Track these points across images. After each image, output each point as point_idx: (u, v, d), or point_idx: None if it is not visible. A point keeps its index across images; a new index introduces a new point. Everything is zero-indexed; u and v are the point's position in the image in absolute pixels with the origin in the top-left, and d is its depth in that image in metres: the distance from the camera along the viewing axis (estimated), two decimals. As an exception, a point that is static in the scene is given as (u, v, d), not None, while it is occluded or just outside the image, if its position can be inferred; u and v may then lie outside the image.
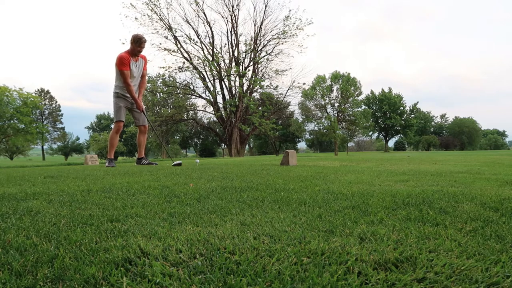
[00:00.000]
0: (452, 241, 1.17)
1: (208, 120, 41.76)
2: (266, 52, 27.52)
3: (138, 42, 5.16)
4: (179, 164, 5.23)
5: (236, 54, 27.27)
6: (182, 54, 26.31)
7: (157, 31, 25.21)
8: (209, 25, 26.33)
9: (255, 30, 27.19)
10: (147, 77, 5.71)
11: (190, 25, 26.14)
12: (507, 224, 1.41)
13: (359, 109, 49.36)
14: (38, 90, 64.88)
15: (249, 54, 27.34)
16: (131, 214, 1.60)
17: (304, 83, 29.67)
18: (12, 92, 32.82)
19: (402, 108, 61.54)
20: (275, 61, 27.90)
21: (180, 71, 26.51)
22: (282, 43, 26.91)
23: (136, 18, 24.42)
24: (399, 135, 65.84)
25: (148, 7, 24.26)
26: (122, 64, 5.11)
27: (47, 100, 64.96)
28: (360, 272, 0.92)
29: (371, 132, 60.91)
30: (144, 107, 5.62)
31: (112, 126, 5.61)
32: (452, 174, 3.71)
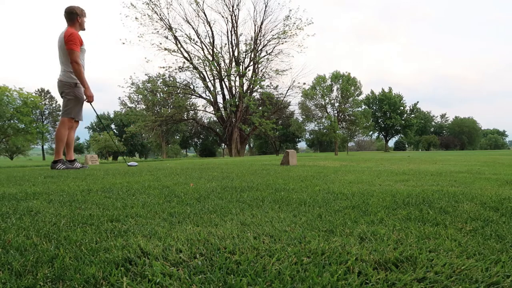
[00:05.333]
0: (452, 241, 1.17)
1: (208, 120, 41.81)
2: (266, 52, 27.54)
3: (83, 14, 4.62)
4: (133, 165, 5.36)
5: (236, 54, 27.27)
6: (182, 54, 26.33)
7: (157, 31, 25.24)
8: (209, 25, 26.34)
9: (255, 30, 27.20)
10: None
11: (190, 25, 26.17)
12: (507, 224, 1.41)
13: (359, 109, 49.38)
14: (38, 90, 64.91)
15: (249, 54, 27.34)
16: (131, 214, 1.60)
17: (304, 83, 29.70)
18: (12, 92, 32.86)
19: (402, 108, 61.53)
20: (275, 61, 27.92)
21: (180, 71, 26.54)
22: (282, 43, 26.92)
23: (136, 18, 24.44)
24: (399, 135, 65.84)
25: (148, 7, 24.28)
26: (75, 43, 4.42)
27: (47, 100, 64.93)
28: (360, 272, 0.92)
29: (371, 132, 60.91)
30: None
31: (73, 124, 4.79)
32: (452, 174, 3.71)
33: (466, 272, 0.91)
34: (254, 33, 27.15)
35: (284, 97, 30.11)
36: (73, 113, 4.66)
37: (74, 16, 4.59)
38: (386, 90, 62.21)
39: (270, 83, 27.89)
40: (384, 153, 40.95)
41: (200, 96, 28.10)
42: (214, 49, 26.81)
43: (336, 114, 47.58)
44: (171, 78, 27.75)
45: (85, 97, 4.76)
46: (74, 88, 4.62)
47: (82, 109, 4.84)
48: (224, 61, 27.48)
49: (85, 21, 4.73)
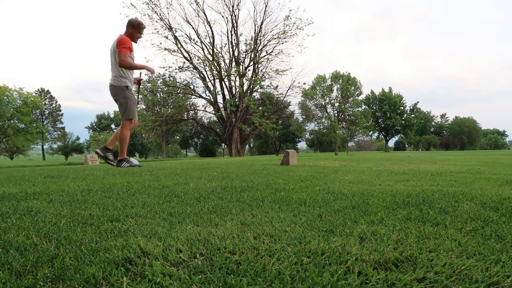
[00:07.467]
0: (452, 241, 1.17)
1: (208, 120, 41.79)
2: (266, 52, 27.55)
3: (138, 28, 4.82)
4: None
5: (236, 54, 27.27)
6: (182, 54, 26.33)
7: (158, 31, 25.26)
8: (209, 25, 26.35)
9: (255, 30, 27.19)
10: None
11: (190, 25, 26.18)
12: (507, 224, 1.41)
13: (359, 109, 49.33)
14: (38, 90, 64.94)
15: (249, 54, 27.35)
16: (131, 214, 1.60)
17: (304, 83, 29.72)
18: (12, 92, 32.85)
19: (402, 108, 61.50)
20: (275, 61, 27.92)
21: (180, 71, 26.55)
22: (282, 43, 26.93)
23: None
24: (399, 135, 65.80)
25: (148, 7, 24.30)
26: (125, 46, 4.61)
27: (47, 100, 64.95)
28: (360, 272, 0.92)
29: (371, 132, 60.84)
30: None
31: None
32: (452, 174, 3.71)
33: (466, 272, 0.91)
34: (254, 33, 27.16)
35: (284, 97, 30.13)
36: (131, 115, 4.84)
37: (127, 25, 4.86)
38: (386, 90, 62.16)
39: (270, 83, 27.93)
40: (384, 153, 40.92)
41: (200, 96, 28.11)
42: (214, 49, 26.83)
43: (336, 114, 47.55)
44: (171, 78, 27.76)
45: (149, 72, 4.96)
46: (126, 91, 4.81)
47: (136, 108, 4.97)
48: (224, 61, 27.49)
49: (139, 36, 4.93)
